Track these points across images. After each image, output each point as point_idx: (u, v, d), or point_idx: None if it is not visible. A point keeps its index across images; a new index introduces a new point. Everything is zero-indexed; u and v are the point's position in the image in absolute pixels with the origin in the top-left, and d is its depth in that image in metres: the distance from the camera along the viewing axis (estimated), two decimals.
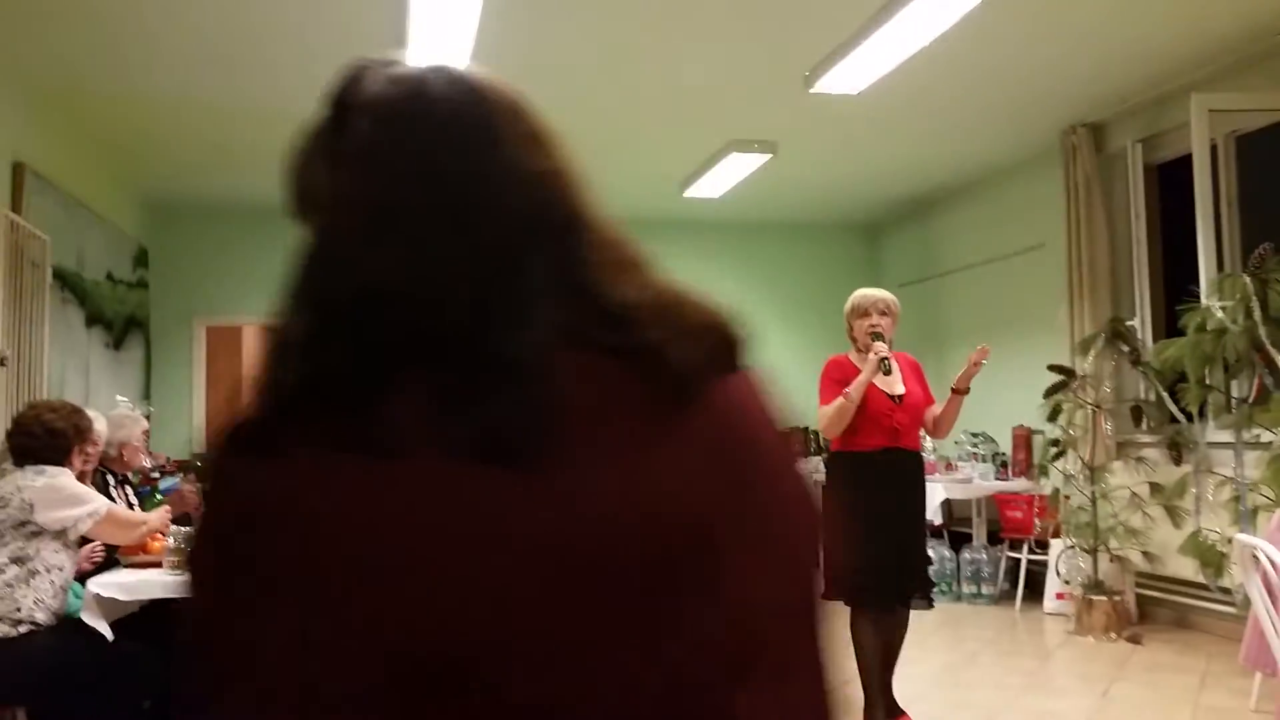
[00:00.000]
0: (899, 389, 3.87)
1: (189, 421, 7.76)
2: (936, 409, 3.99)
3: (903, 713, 3.97)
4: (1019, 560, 6.41)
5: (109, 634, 2.97)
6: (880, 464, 3.79)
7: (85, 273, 6.15)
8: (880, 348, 3.75)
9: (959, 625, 5.96)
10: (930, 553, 6.61)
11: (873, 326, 3.83)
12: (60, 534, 3.07)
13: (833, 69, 5.06)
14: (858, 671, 3.82)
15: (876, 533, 3.70)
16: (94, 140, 6.24)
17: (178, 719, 0.73)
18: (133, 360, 7.28)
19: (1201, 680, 4.60)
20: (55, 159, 5.60)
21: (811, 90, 5.34)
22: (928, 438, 7.27)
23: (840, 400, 3.73)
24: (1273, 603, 2.68)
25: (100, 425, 3.80)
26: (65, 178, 5.74)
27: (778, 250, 9.17)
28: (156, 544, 3.41)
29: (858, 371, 3.78)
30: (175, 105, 5.67)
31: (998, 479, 6.81)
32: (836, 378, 3.83)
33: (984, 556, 6.61)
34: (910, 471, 3.92)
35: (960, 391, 3.90)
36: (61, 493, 3.06)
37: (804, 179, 7.63)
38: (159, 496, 4.20)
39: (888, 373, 3.75)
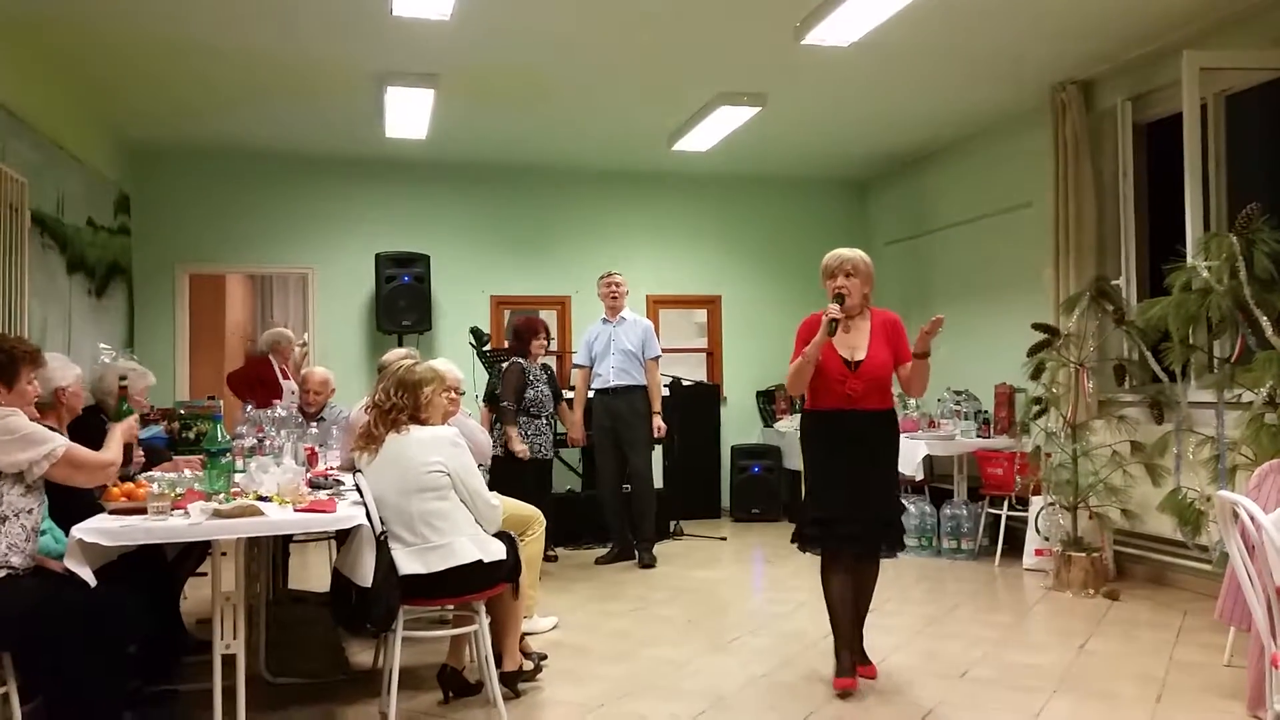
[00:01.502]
0: (859, 354, 3.90)
1: (173, 370, 7.71)
2: (908, 368, 3.99)
3: (870, 664, 4.09)
4: (999, 516, 6.48)
5: (92, 580, 2.95)
6: (837, 424, 3.92)
7: (65, 218, 6.07)
8: (832, 309, 3.81)
9: (939, 580, 6.03)
10: (911, 507, 6.72)
11: (838, 288, 3.89)
12: (19, 477, 3.04)
13: (824, 20, 5.01)
14: (828, 614, 4.03)
15: (833, 488, 3.92)
16: (72, 81, 6.11)
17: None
18: (115, 308, 7.21)
19: (1176, 635, 4.67)
20: (32, 100, 5.48)
21: (802, 42, 5.28)
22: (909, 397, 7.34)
23: (799, 360, 3.86)
24: (1250, 558, 2.71)
25: (74, 373, 3.77)
26: (42, 119, 5.63)
27: (766, 205, 9.13)
28: (140, 490, 3.40)
29: None
30: (158, 46, 5.56)
31: (979, 436, 6.85)
32: (805, 336, 3.91)
33: (964, 512, 6.67)
34: (869, 432, 3.94)
35: (921, 356, 3.90)
36: (14, 434, 3.01)
37: (793, 133, 7.57)
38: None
39: (831, 334, 3.80)
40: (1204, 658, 4.28)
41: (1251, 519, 2.56)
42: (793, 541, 4.11)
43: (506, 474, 5.89)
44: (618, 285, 6.73)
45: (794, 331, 4.02)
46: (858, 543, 3.94)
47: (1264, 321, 4.48)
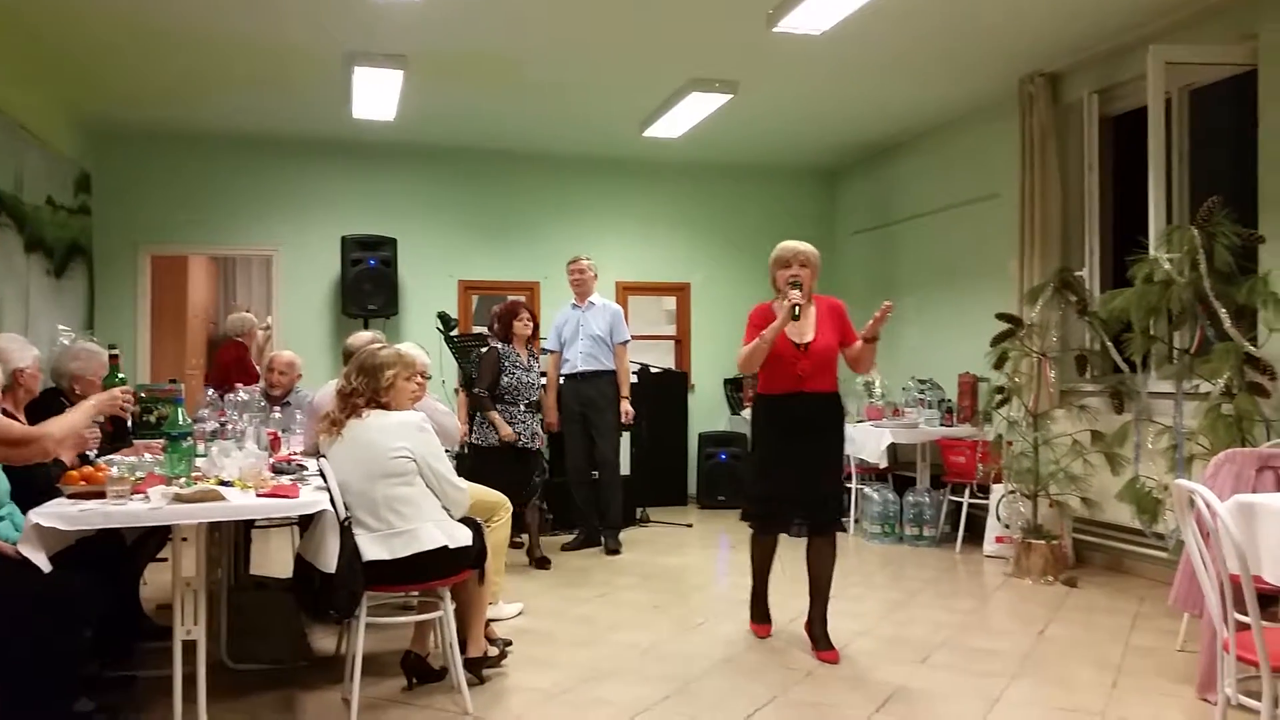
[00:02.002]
0: (807, 337, 4.21)
1: (134, 352, 7.60)
2: (855, 348, 4.30)
3: (833, 649, 4.22)
4: (961, 504, 6.55)
5: (46, 565, 2.90)
6: (787, 408, 4.22)
7: (24, 196, 5.95)
8: (794, 295, 4.08)
9: (901, 566, 6.09)
10: (875, 495, 6.78)
11: (792, 276, 4.19)
12: None
13: (796, 8, 5.01)
14: (751, 571, 4.50)
15: (785, 467, 4.21)
16: (33, 59, 5.99)
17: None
18: (75, 289, 7.09)
19: (1133, 622, 4.75)
20: None
21: (774, 30, 5.28)
22: (878, 381, 7.40)
23: (756, 341, 4.13)
24: (1205, 546, 2.76)
25: (31, 355, 3.71)
26: (0, 96, 5.52)
27: (735, 193, 9.14)
28: (100, 473, 3.35)
29: (775, 318, 4.16)
30: (121, 24, 5.46)
31: (943, 424, 6.92)
32: (757, 323, 4.23)
33: (926, 500, 6.74)
34: (817, 413, 4.25)
35: (870, 340, 4.21)
36: None
37: (763, 121, 7.57)
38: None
39: (797, 318, 4.07)
40: (1159, 643, 4.36)
41: (1207, 507, 2.61)
42: (743, 519, 4.43)
43: (480, 465, 5.75)
44: (583, 271, 6.68)
45: None
46: (809, 519, 4.28)
47: (1222, 314, 4.55)
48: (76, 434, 3.33)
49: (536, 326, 6.16)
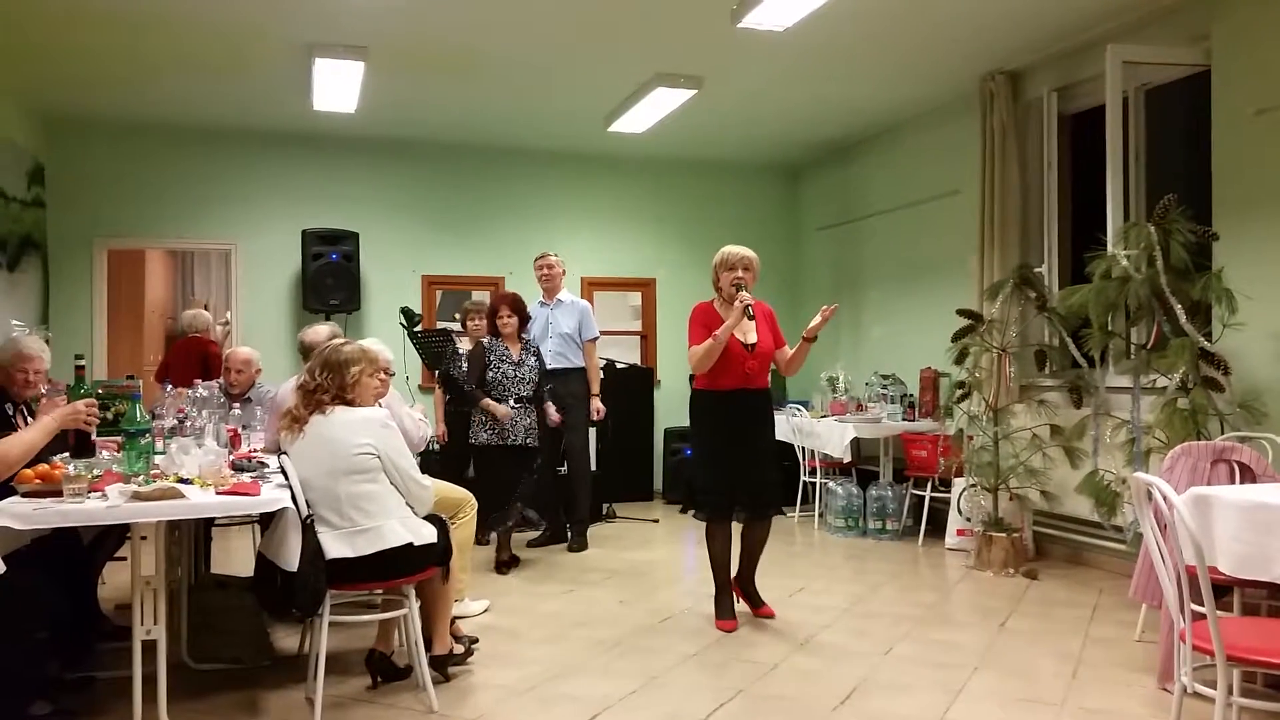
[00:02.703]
0: (752, 338, 4.47)
1: (90, 348, 7.46)
2: (788, 351, 4.59)
3: (765, 605, 4.73)
4: (923, 498, 6.61)
5: (0, 566, 2.85)
6: (733, 402, 4.47)
7: None
8: (745, 296, 4.32)
9: (864, 559, 6.14)
10: (839, 489, 6.84)
11: (738, 279, 4.42)
12: None
13: (760, 4, 5.02)
14: (711, 566, 4.63)
15: (728, 460, 4.48)
16: None
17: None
18: (28, 283, 6.95)
19: (1092, 613, 4.82)
20: None
21: (739, 25, 5.28)
22: (842, 376, 7.45)
23: (709, 341, 4.33)
24: (1163, 538, 2.81)
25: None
26: None
27: (700, 189, 9.15)
28: (56, 471, 3.28)
29: (720, 318, 4.42)
30: (77, 11, 5.34)
31: (905, 419, 6.98)
32: (704, 322, 4.45)
33: (889, 494, 6.81)
34: (759, 408, 4.56)
35: (809, 339, 4.47)
36: None
37: (728, 117, 7.59)
38: None
39: (752, 318, 4.33)
40: (1118, 634, 4.43)
41: (1164, 499, 2.65)
42: (697, 511, 4.64)
43: (478, 464, 5.76)
44: (552, 267, 6.63)
45: None
46: (754, 506, 4.58)
47: (1178, 309, 4.62)
48: (35, 452, 3.24)
49: (523, 323, 5.93)
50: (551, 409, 6.04)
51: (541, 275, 6.64)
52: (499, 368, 5.75)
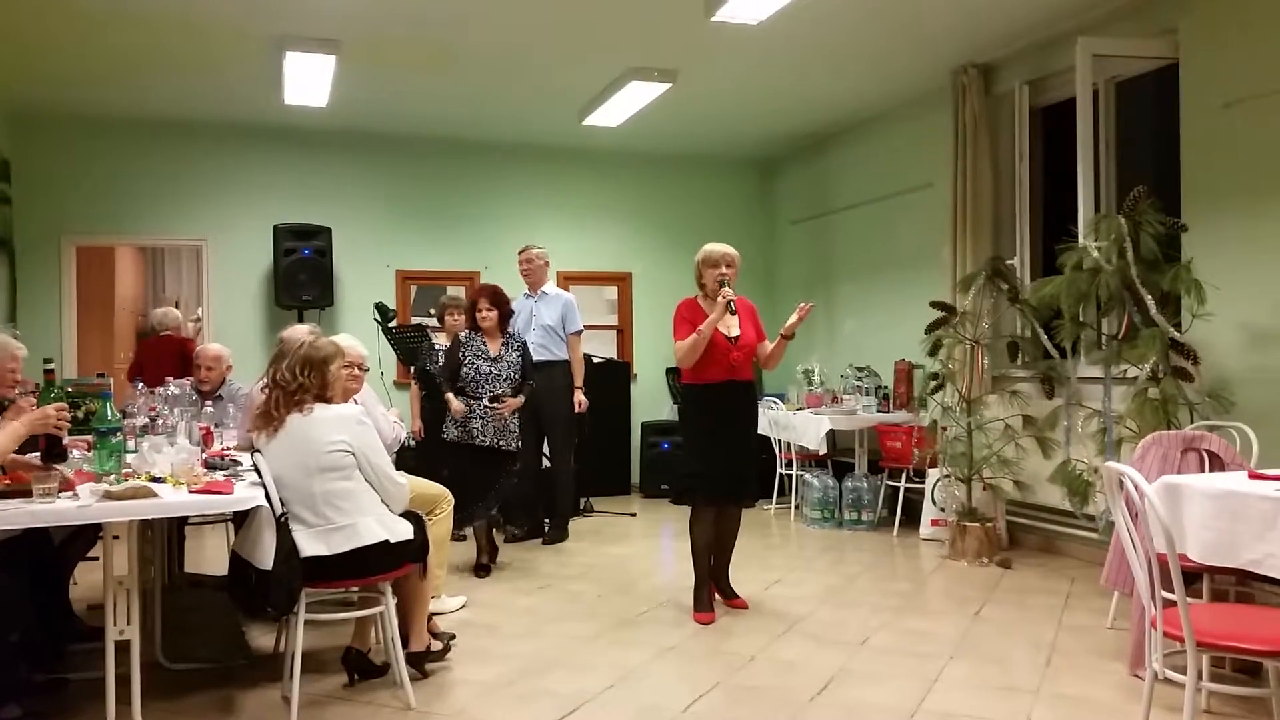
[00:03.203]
0: (735, 331, 4.60)
1: (59, 346, 7.37)
2: (768, 346, 4.71)
3: (738, 596, 4.82)
4: (897, 488, 6.65)
5: None
6: (720, 394, 4.60)
7: None
8: (727, 292, 4.49)
9: (840, 550, 6.18)
10: (814, 481, 6.87)
11: (722, 275, 4.56)
12: None
13: None
14: (692, 557, 4.71)
15: (715, 448, 4.60)
16: None
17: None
18: None
19: (1065, 601, 4.88)
20: None
21: (712, 18, 5.29)
22: (817, 369, 7.49)
23: (694, 336, 4.46)
24: (1134, 526, 2.84)
25: None
26: None
27: (675, 183, 9.15)
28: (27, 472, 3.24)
29: (704, 313, 4.54)
30: (42, 6, 5.27)
31: (879, 411, 7.02)
32: (688, 317, 4.58)
33: (864, 485, 6.84)
34: (744, 399, 4.70)
35: (787, 337, 4.58)
36: None
37: (702, 110, 7.59)
38: None
39: (734, 313, 4.51)
40: (1090, 621, 4.48)
41: (1136, 488, 2.68)
42: (681, 498, 4.78)
43: (438, 461, 5.55)
44: (532, 260, 6.60)
45: None
46: (736, 493, 4.71)
47: (1148, 300, 4.68)
48: (3, 456, 3.19)
49: (505, 317, 5.62)
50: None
51: (522, 269, 6.63)
52: (473, 364, 5.47)
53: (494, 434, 5.45)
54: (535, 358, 6.03)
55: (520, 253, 6.69)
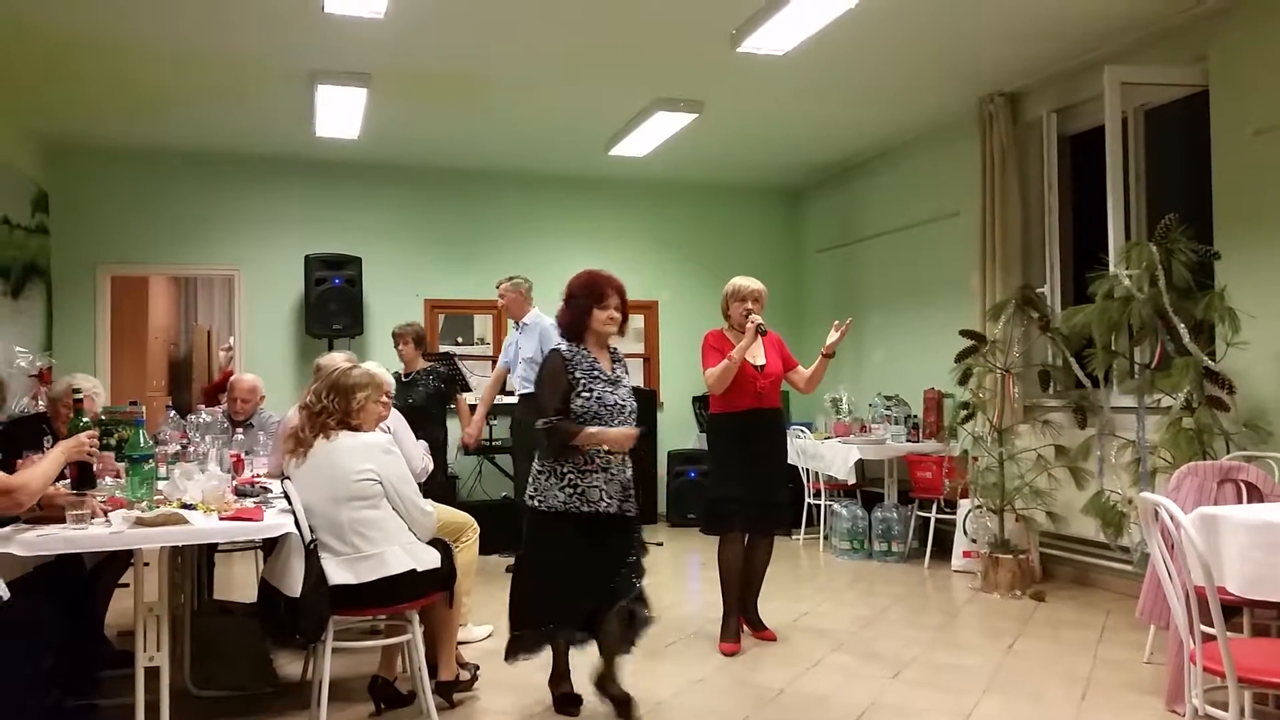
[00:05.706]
0: (761, 360, 4.68)
1: (93, 373, 7.44)
2: (803, 371, 4.77)
3: (767, 628, 4.80)
4: (928, 519, 6.58)
5: (4, 593, 2.84)
6: (747, 421, 4.64)
7: None
8: (755, 317, 4.56)
9: (870, 582, 6.11)
10: (843, 511, 6.81)
11: (749, 309, 4.67)
12: None
13: (760, 28, 5.04)
14: (721, 586, 4.70)
15: (744, 475, 4.61)
16: None
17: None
18: (32, 310, 6.96)
19: (1100, 634, 4.79)
20: None
21: (738, 49, 5.32)
22: (845, 398, 7.44)
23: (725, 362, 4.52)
24: (1170, 558, 2.79)
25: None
26: None
27: (701, 212, 9.17)
28: (58, 497, 3.27)
29: (731, 343, 4.60)
30: (82, 40, 5.39)
31: (909, 441, 6.96)
32: (716, 346, 4.65)
33: (895, 515, 6.77)
34: (771, 427, 4.76)
35: (828, 355, 4.65)
36: None
37: (728, 140, 7.62)
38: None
39: (764, 334, 4.56)
40: (1126, 655, 4.40)
41: (1172, 519, 2.64)
42: (710, 527, 4.71)
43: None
44: (503, 295, 6.33)
45: None
46: (763, 522, 4.70)
47: (1181, 329, 4.62)
48: (49, 483, 3.22)
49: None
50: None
51: (499, 304, 6.48)
52: (590, 389, 3.71)
53: (620, 495, 3.79)
54: (520, 390, 6.07)
55: (496, 288, 6.45)
